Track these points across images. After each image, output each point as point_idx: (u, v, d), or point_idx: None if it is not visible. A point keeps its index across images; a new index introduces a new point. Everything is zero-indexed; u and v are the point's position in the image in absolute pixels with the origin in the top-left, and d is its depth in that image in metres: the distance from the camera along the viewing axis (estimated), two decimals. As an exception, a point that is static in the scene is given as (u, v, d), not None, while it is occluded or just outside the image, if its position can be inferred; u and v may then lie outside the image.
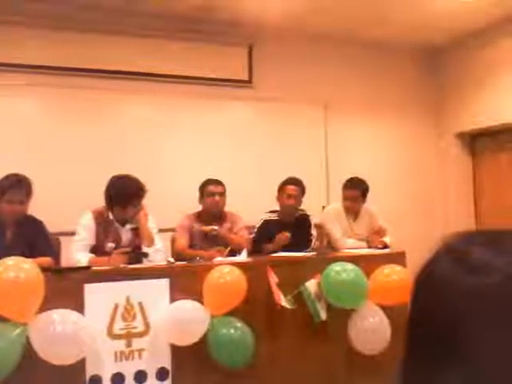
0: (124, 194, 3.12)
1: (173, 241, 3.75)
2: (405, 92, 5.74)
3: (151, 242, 3.16)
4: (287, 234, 3.68)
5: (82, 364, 2.59)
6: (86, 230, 3.15)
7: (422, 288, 0.56)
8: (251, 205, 4.07)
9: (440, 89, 5.81)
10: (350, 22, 4.96)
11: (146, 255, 3.11)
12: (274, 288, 2.95)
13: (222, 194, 3.68)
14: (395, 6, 4.62)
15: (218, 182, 3.70)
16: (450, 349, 0.51)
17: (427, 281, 0.56)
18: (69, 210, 3.67)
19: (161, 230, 3.46)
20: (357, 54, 5.53)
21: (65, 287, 2.64)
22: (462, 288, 0.51)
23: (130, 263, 3.01)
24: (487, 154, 5.61)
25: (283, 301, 2.94)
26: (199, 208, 3.76)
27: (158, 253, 3.17)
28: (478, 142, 5.72)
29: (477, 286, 0.50)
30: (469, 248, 0.53)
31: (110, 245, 2.96)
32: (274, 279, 2.99)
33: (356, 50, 5.50)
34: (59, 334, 2.43)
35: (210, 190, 3.66)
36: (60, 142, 4.48)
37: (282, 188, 3.90)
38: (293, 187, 3.87)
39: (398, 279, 3.10)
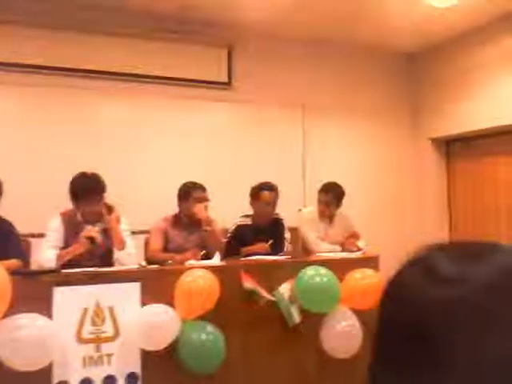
0: (81, 190, 3.09)
1: (146, 243, 3.70)
2: (382, 95, 5.79)
3: (122, 245, 3.13)
4: (267, 246, 3.65)
5: (49, 369, 2.54)
6: (55, 234, 3.12)
7: (391, 298, 0.56)
8: (228, 207, 4.04)
9: (416, 93, 5.87)
10: (328, 24, 4.97)
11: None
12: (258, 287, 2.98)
13: (209, 201, 3.60)
14: (373, 9, 4.65)
15: (204, 188, 3.61)
16: (418, 356, 0.51)
17: (396, 291, 0.56)
18: (39, 211, 3.60)
19: (135, 233, 3.43)
20: (335, 56, 5.55)
21: (33, 291, 2.58)
22: (430, 299, 0.51)
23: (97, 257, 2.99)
24: (461, 159, 5.68)
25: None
26: (175, 210, 3.70)
27: (130, 256, 3.13)
28: (452, 147, 5.80)
29: (446, 296, 0.50)
30: (438, 259, 0.53)
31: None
32: (249, 284, 2.98)
33: (334, 53, 5.53)
34: (25, 339, 2.38)
35: (200, 195, 3.56)
36: (32, 142, 4.39)
37: (256, 194, 3.81)
38: (269, 193, 3.78)
39: (370, 283, 3.11)
